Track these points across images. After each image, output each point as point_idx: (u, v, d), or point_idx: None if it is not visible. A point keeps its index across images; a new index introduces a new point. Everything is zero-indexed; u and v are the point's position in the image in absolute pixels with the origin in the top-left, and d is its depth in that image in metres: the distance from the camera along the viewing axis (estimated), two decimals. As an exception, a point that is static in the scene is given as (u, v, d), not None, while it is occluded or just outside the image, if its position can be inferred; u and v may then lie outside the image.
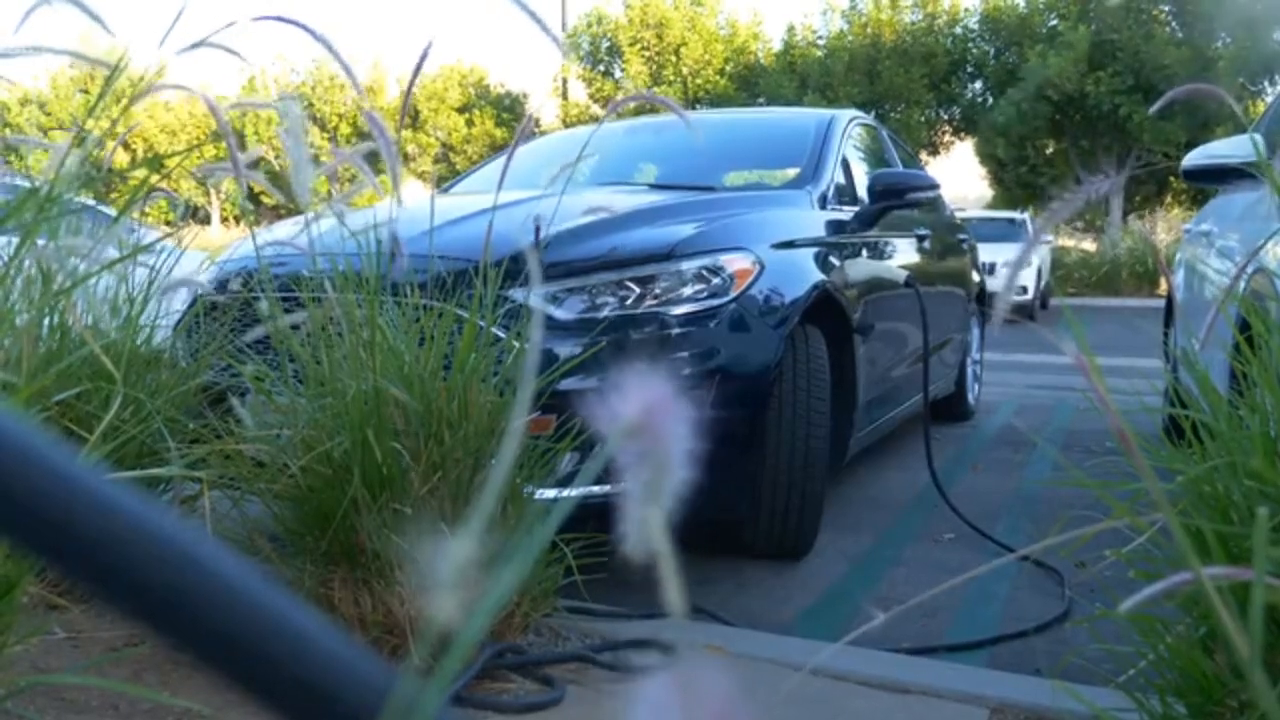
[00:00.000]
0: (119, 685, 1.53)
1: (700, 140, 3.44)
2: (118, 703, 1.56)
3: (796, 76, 23.49)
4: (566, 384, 2.19)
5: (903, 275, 3.76)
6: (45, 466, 0.27)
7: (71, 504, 0.27)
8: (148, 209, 2.39)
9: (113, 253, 1.78)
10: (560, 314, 2.39)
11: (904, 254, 3.97)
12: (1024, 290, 13.66)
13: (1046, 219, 0.69)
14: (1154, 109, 1.45)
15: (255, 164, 1.79)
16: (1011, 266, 0.79)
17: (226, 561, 0.29)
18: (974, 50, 23.45)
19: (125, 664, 1.70)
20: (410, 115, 27.07)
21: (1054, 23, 21.98)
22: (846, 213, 3.48)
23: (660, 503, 0.30)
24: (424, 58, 1.92)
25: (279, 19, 1.71)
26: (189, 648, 0.28)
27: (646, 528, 0.30)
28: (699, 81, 24.22)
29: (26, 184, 1.64)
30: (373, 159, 1.92)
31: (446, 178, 26.39)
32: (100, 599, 0.28)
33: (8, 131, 25.41)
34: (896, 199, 3.57)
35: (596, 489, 2.13)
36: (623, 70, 25.00)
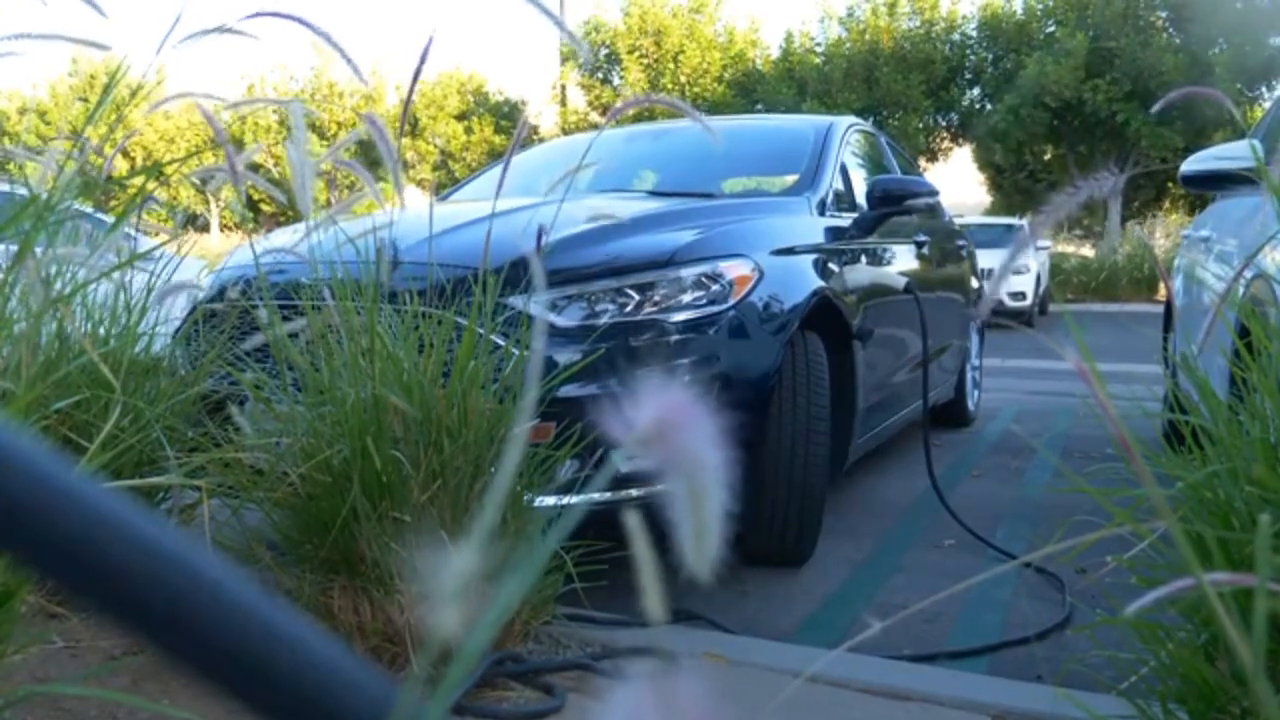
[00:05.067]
0: (118, 695, 1.53)
1: (719, 143, 3.45)
2: (116, 712, 1.55)
3: (795, 83, 23.53)
4: (566, 391, 2.19)
5: (902, 281, 3.76)
6: (41, 477, 0.27)
7: (67, 516, 0.27)
8: (146, 215, 2.39)
9: (111, 260, 1.77)
10: (560, 321, 2.39)
11: (903, 260, 3.98)
12: (1023, 296, 13.67)
13: (1047, 214, 0.69)
14: (1154, 110, 1.45)
15: (254, 167, 1.79)
16: (1003, 265, 0.79)
17: (224, 572, 0.28)
18: (972, 57, 23.50)
19: (124, 673, 1.70)
20: (409, 122, 27.11)
21: (1051, 29, 22.03)
22: (845, 219, 3.48)
23: (708, 522, 0.29)
24: (424, 59, 1.92)
25: (276, 14, 1.71)
26: (186, 660, 0.28)
27: (700, 543, 0.29)
28: (697, 89, 24.26)
29: (25, 192, 1.64)
30: (372, 165, 1.92)
31: (445, 185, 26.43)
32: (96, 611, 0.27)
33: (6, 140, 25.43)
34: (895, 205, 3.58)
35: (597, 496, 2.13)
36: (621, 77, 25.04)
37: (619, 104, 1.92)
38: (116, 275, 2.14)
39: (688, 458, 0.29)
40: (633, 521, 0.31)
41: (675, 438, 0.28)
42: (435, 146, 28.05)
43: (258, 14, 1.72)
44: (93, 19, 1.53)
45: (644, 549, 0.30)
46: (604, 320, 2.38)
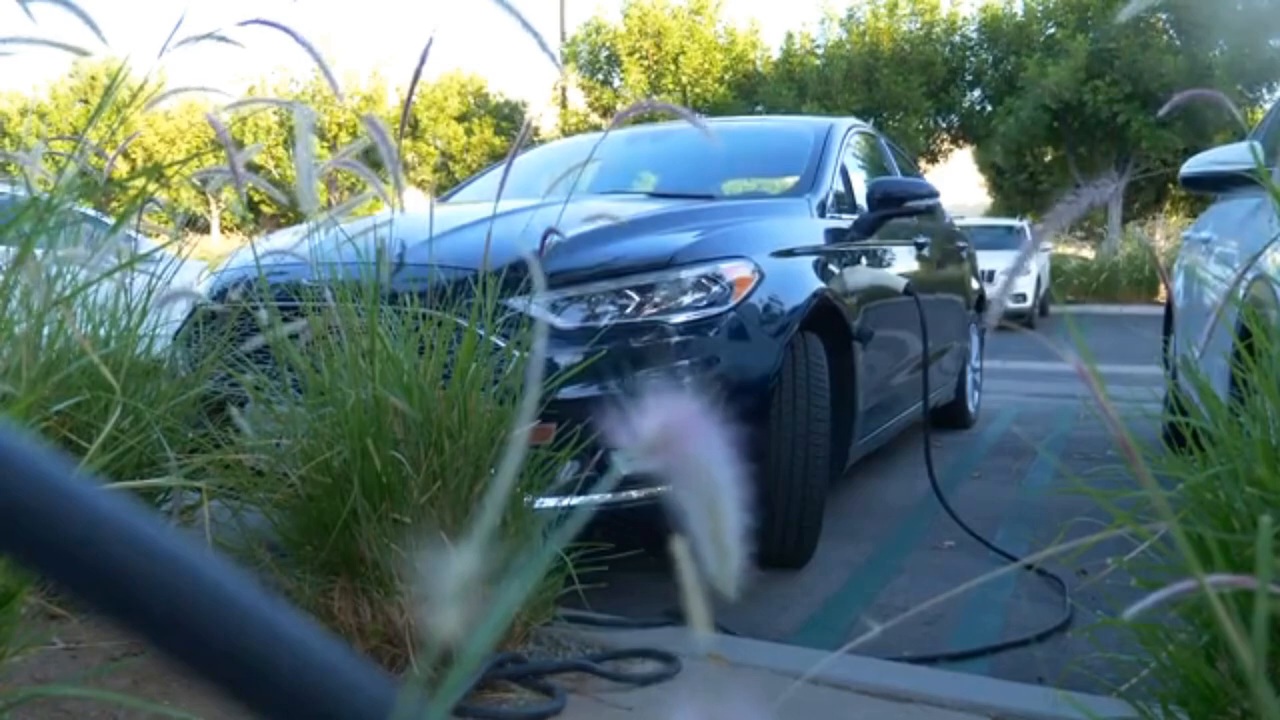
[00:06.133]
0: (118, 696, 1.53)
1: (717, 145, 3.45)
2: (117, 714, 1.55)
3: (795, 85, 23.52)
4: (566, 392, 2.19)
5: (902, 283, 3.76)
6: (41, 479, 0.27)
7: (67, 517, 0.27)
8: (147, 216, 2.39)
9: (112, 261, 1.77)
10: (560, 322, 2.39)
11: (903, 262, 3.97)
12: (1023, 298, 13.67)
13: (1048, 223, 0.69)
14: (1159, 114, 1.46)
15: (255, 168, 1.80)
16: (1009, 273, 0.79)
17: (224, 573, 0.28)
18: (972, 59, 23.49)
19: (125, 674, 1.70)
20: (409, 124, 27.12)
21: (1052, 31, 22.03)
22: (846, 221, 3.48)
23: (727, 537, 0.29)
24: (423, 61, 1.92)
25: (263, 22, 1.71)
26: (186, 661, 0.28)
27: (724, 562, 0.29)
28: (698, 90, 24.25)
29: (25, 194, 1.64)
30: (373, 166, 1.92)
31: (446, 186, 26.43)
32: (96, 612, 0.27)
33: (7, 142, 25.44)
34: (895, 207, 3.58)
35: (597, 498, 2.13)
36: (621, 79, 25.04)
37: (620, 110, 1.93)
38: (117, 277, 2.14)
39: (693, 468, 0.28)
40: (679, 548, 0.31)
41: (679, 446, 0.28)
42: (436, 148, 28.05)
43: (249, 21, 1.72)
44: (91, 22, 1.53)
45: (688, 566, 0.30)
46: (604, 322, 2.38)
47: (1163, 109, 1.43)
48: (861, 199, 3.78)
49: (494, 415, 1.86)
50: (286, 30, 1.72)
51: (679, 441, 0.28)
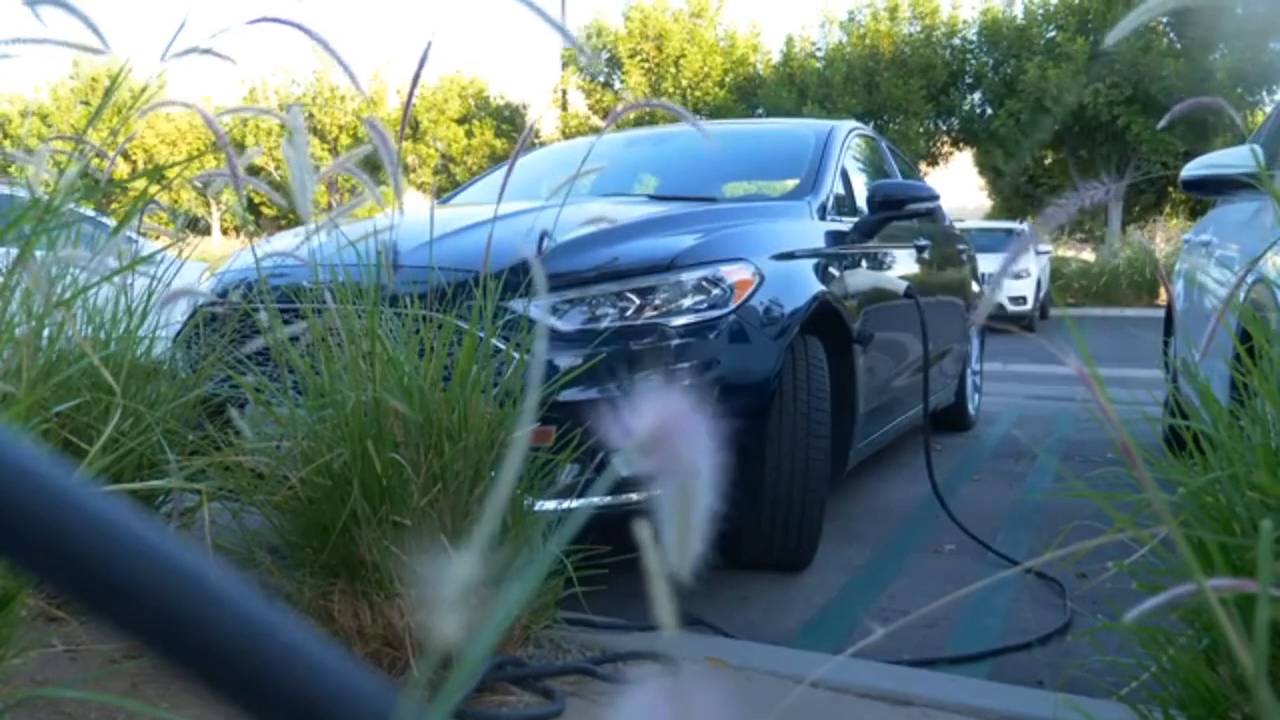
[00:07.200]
0: (117, 699, 1.52)
1: (714, 146, 3.44)
2: (116, 716, 1.55)
3: (795, 88, 23.54)
4: (567, 395, 2.19)
5: (902, 286, 3.76)
6: (38, 482, 0.27)
7: (64, 521, 0.26)
8: (149, 218, 2.39)
9: (112, 263, 1.77)
10: (561, 325, 2.39)
11: (903, 264, 3.98)
12: (1023, 300, 13.68)
13: (1043, 223, 0.69)
14: (1160, 125, 1.45)
15: (254, 171, 1.80)
16: (999, 272, 0.79)
17: (223, 576, 0.28)
18: (972, 62, 23.51)
19: (124, 677, 1.70)
20: (410, 126, 27.13)
21: (1052, 34, 22.04)
22: (846, 223, 3.48)
23: (693, 524, 0.30)
24: (423, 63, 1.92)
25: (275, 20, 1.71)
26: (184, 665, 0.28)
27: (684, 545, 0.30)
28: (698, 93, 24.28)
29: (26, 195, 1.65)
30: (372, 169, 1.92)
31: (446, 189, 26.44)
32: (94, 616, 0.27)
33: (8, 143, 25.44)
34: (896, 210, 3.58)
35: (598, 500, 2.13)
36: (622, 82, 25.07)
37: (619, 107, 1.93)
38: (118, 279, 2.14)
39: (684, 463, 0.29)
40: (643, 534, 0.31)
41: (674, 443, 0.28)
42: (436, 150, 28.07)
43: (259, 20, 1.72)
44: (93, 25, 1.53)
45: (654, 560, 0.30)
46: (605, 324, 2.38)
47: (1163, 120, 1.43)
48: (862, 202, 3.78)
49: (494, 418, 1.86)
50: (301, 28, 1.71)
51: (670, 440, 0.28)
